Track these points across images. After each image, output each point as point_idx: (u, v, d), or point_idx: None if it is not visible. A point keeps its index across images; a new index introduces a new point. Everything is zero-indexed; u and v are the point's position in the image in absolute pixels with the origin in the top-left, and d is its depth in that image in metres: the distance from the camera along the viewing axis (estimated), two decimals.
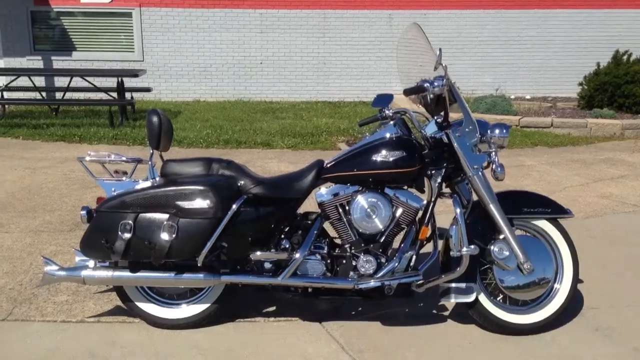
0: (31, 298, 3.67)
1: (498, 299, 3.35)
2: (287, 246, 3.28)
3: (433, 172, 3.30)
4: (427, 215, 3.28)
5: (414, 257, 3.24)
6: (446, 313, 3.53)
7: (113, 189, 3.25)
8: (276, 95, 12.64)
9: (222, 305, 3.33)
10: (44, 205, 5.56)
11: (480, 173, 3.21)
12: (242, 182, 3.23)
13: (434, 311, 3.57)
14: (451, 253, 3.12)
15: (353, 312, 3.54)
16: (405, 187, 3.32)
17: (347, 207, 3.25)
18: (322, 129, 9.43)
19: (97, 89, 10.20)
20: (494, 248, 3.21)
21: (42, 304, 3.59)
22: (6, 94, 10.59)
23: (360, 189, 3.27)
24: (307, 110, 11.42)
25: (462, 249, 3.08)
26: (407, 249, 3.24)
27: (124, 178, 3.28)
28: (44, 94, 11.09)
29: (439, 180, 3.29)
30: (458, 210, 3.14)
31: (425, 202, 3.29)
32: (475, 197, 3.30)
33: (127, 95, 10.35)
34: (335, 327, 3.37)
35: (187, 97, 12.52)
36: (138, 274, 3.15)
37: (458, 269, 3.13)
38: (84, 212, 3.15)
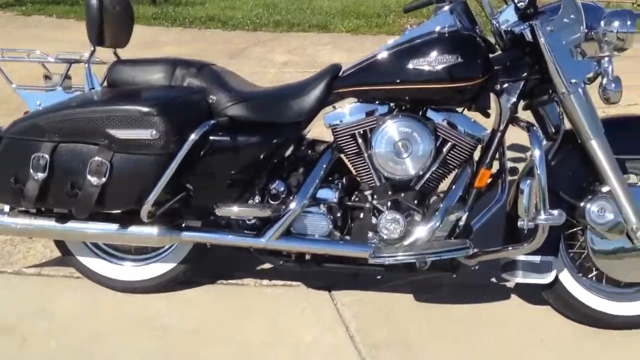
0: None
1: (590, 276, 2.28)
2: (282, 190, 2.28)
3: (505, 86, 2.14)
4: (491, 151, 2.17)
5: (465, 214, 2.18)
6: (510, 285, 2.50)
7: (38, 102, 2.30)
8: None
9: (192, 265, 2.42)
10: None
11: (580, 90, 2.04)
12: (215, 99, 2.20)
13: (493, 280, 2.54)
14: (519, 223, 2.03)
15: (379, 277, 2.55)
16: (461, 109, 2.20)
17: (369, 137, 2.18)
18: (391, 9, 8.09)
19: None
20: (592, 207, 2.09)
21: None
22: None
23: (390, 110, 2.18)
24: None
25: (540, 215, 1.98)
26: (454, 201, 2.17)
27: (57, 87, 2.32)
28: None
29: (513, 99, 2.14)
30: (537, 152, 2.00)
31: (488, 131, 2.18)
32: (568, 126, 2.15)
33: None
34: (348, 302, 2.42)
35: None
36: (68, 224, 2.25)
37: (529, 242, 2.06)
38: None
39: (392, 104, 2.18)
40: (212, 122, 2.13)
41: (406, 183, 2.20)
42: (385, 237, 2.17)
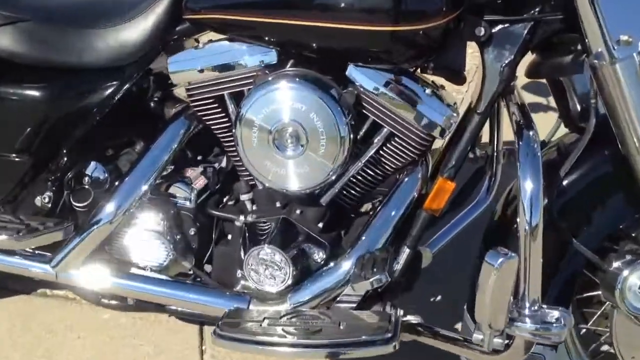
0: None
1: None
2: (102, 180, 1.35)
3: (497, 30, 1.13)
4: (460, 148, 1.18)
5: (405, 254, 1.22)
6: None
7: None
8: None
9: None
10: None
11: (636, 58, 1.02)
12: None
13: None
14: (475, 335, 1.06)
15: None
16: (412, 68, 1.20)
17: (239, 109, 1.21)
18: None
19: None
20: (631, 277, 1.11)
21: None
22: None
23: (280, 60, 1.19)
24: None
25: (522, 318, 1.01)
26: (382, 238, 1.22)
27: None
28: None
29: (509, 55, 1.13)
30: (528, 187, 1.01)
31: (456, 115, 1.19)
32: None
33: None
34: (222, 356, 1.54)
35: None
36: None
37: (499, 355, 1.10)
38: None
39: (286, 50, 1.20)
40: None
41: (306, 193, 1.25)
42: (254, 285, 1.25)
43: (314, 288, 1.22)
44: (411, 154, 1.21)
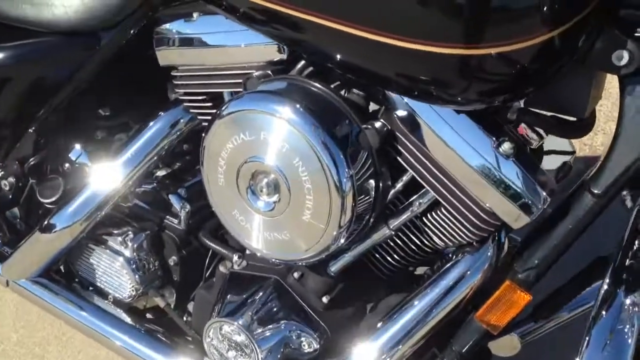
0: None
1: None
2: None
3: None
4: (557, 238, 0.72)
5: None
6: None
7: None
8: None
9: None
10: None
11: None
12: None
13: None
14: None
15: None
16: (491, 107, 0.71)
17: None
18: None
19: None
20: None
21: None
22: None
23: (292, 58, 0.77)
24: None
25: None
26: (402, 333, 0.81)
27: None
28: None
29: None
30: None
31: (544, 194, 0.71)
32: None
33: None
34: None
35: None
36: None
37: None
38: None
39: (302, 53, 0.77)
40: None
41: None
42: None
43: None
44: (467, 238, 0.76)
